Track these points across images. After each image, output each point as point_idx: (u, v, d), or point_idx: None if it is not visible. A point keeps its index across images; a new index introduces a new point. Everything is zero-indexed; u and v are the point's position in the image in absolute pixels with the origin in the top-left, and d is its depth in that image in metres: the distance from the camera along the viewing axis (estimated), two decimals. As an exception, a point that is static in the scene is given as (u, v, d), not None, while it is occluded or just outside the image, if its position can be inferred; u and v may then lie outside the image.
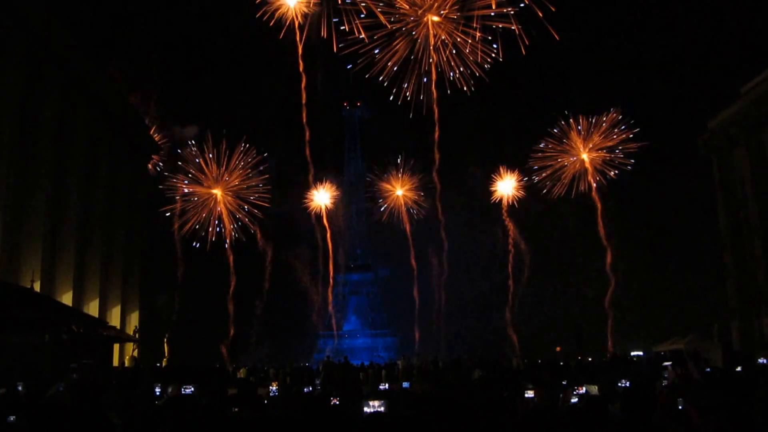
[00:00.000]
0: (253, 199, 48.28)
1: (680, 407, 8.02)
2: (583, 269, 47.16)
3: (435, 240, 50.69)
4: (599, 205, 46.27)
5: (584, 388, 11.21)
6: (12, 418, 8.29)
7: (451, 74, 44.85)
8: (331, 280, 53.02)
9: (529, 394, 10.22)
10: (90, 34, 34.88)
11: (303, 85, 47.34)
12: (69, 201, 29.06)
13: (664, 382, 11.65)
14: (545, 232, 47.93)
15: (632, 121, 44.71)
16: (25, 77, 25.60)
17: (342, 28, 42.76)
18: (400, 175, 50.12)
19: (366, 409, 8.73)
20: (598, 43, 43.37)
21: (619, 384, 12.06)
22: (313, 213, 49.70)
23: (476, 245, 50.46)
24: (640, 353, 32.72)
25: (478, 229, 49.85)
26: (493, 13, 39.93)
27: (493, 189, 48.16)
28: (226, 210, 48.38)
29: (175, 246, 46.36)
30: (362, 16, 41.55)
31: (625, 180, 45.28)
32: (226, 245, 47.96)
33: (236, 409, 9.42)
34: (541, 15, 39.92)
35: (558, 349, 38.71)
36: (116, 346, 29.64)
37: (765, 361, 21.12)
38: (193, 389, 14.17)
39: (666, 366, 10.41)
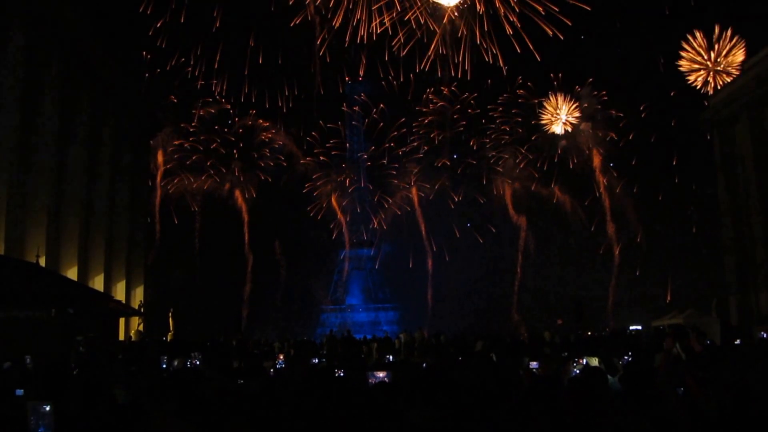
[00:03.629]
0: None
1: (680, 379, 8.14)
2: (584, 247, 47.41)
3: (442, 221, 51.06)
4: (607, 202, 46.46)
5: (585, 360, 11.34)
6: (20, 391, 8.38)
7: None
8: (347, 257, 53.58)
9: (533, 364, 10.37)
10: (92, 9, 34.52)
11: (319, 80, 47.33)
12: (73, 176, 29.13)
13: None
14: (548, 211, 48.20)
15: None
16: (27, 55, 25.54)
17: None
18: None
19: (371, 380, 8.87)
20: (602, 16, 42.86)
21: (622, 361, 12.16)
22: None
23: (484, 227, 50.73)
24: (639, 327, 33.01)
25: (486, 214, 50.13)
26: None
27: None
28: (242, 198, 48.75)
29: (185, 222, 46.81)
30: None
31: (627, 155, 45.49)
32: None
33: (241, 381, 9.54)
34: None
35: (560, 321, 39.00)
36: (122, 321, 29.93)
37: (765, 335, 21.34)
38: (198, 362, 14.37)
39: (668, 338, 10.51)
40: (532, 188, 48.01)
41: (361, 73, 49.34)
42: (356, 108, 52.59)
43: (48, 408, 6.06)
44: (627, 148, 45.74)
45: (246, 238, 48.69)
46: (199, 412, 6.14)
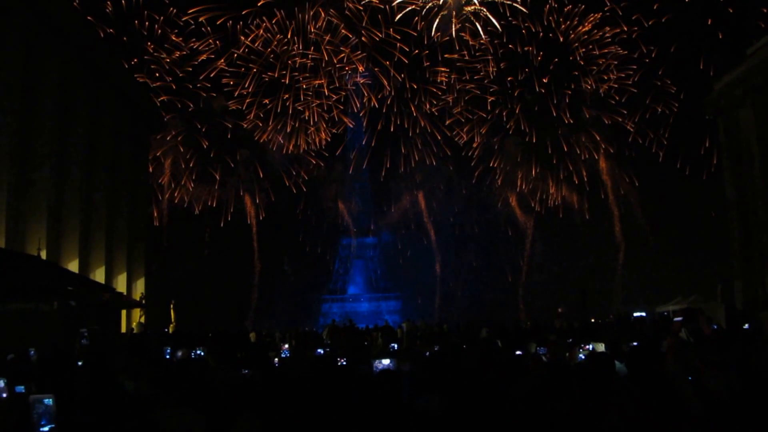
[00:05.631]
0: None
1: (689, 363, 8.07)
2: (588, 234, 47.37)
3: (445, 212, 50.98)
4: (609, 182, 46.34)
5: (591, 346, 11.28)
6: (22, 388, 8.30)
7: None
8: (348, 245, 53.49)
9: (541, 350, 10.33)
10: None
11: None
12: (73, 169, 29.03)
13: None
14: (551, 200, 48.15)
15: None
16: (26, 47, 25.37)
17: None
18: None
19: (376, 368, 8.84)
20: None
21: (627, 346, 12.08)
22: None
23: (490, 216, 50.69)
24: (643, 314, 32.94)
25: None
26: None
27: None
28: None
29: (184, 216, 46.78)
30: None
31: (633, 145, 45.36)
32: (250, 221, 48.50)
33: (245, 371, 9.51)
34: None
35: (560, 310, 38.97)
36: (123, 313, 29.92)
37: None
38: (202, 353, 14.32)
39: (675, 321, 10.42)
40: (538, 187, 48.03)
41: (361, 68, 49.26)
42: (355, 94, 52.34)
43: (50, 402, 6.00)
44: (630, 133, 45.69)
45: (255, 243, 48.73)
46: (204, 401, 6.10)
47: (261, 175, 48.98)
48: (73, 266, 27.91)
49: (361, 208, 54.84)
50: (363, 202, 54.90)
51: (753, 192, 34.21)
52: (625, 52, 44.18)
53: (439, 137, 49.04)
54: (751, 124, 33.96)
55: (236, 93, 45.82)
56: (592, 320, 32.64)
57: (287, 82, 46.07)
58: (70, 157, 28.89)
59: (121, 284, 32.94)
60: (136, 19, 42.96)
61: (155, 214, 44.60)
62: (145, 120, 38.92)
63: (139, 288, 34.93)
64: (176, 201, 46.55)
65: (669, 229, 43.78)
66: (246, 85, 45.59)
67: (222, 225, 48.03)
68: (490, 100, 47.08)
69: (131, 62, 41.69)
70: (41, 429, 5.88)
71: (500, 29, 44.08)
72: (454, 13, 44.48)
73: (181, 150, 46.59)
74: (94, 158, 31.10)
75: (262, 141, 47.25)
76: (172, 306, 32.66)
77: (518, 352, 11.24)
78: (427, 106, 48.11)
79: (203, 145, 47.23)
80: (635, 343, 11.82)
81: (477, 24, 44.53)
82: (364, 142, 52.54)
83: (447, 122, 48.26)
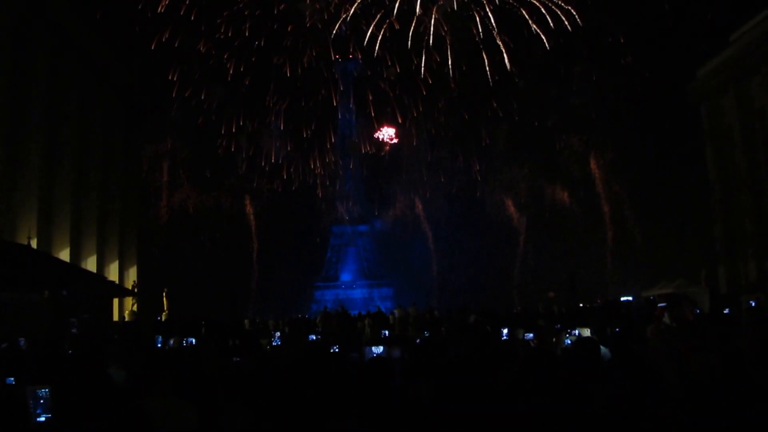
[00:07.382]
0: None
1: (672, 347, 8.24)
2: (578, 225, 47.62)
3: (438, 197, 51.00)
4: (599, 177, 46.49)
5: (577, 331, 11.47)
6: (11, 379, 8.34)
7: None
8: (340, 233, 53.45)
9: (529, 336, 10.48)
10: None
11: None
12: (64, 158, 28.97)
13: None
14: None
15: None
16: (15, 39, 25.23)
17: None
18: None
19: (368, 354, 8.96)
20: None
21: (613, 331, 12.28)
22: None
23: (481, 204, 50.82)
24: (630, 298, 33.25)
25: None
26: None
27: None
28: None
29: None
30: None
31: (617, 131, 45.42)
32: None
33: (237, 359, 9.57)
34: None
35: (551, 294, 39.23)
36: (116, 301, 29.93)
37: (753, 303, 21.65)
38: (194, 341, 14.41)
39: (659, 307, 10.64)
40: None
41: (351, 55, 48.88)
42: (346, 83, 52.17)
43: (46, 392, 6.04)
44: (616, 121, 45.72)
45: (254, 239, 48.56)
46: (196, 390, 6.16)
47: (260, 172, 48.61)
48: (65, 255, 27.89)
49: (353, 196, 54.86)
50: (355, 191, 54.91)
51: (736, 177, 34.60)
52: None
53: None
54: (734, 110, 34.29)
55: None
56: (580, 305, 32.89)
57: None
58: (61, 147, 28.82)
59: (113, 273, 32.94)
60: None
61: (148, 203, 44.34)
62: (137, 109, 38.71)
63: (131, 276, 34.91)
64: (172, 200, 46.26)
65: (655, 215, 44.06)
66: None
67: (219, 220, 47.79)
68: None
69: (126, 56, 41.18)
70: (37, 419, 5.94)
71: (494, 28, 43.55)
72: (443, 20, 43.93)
73: (180, 155, 46.20)
74: (85, 147, 31.01)
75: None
76: (164, 294, 32.62)
77: (504, 337, 11.43)
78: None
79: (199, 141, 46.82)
80: (618, 330, 12.04)
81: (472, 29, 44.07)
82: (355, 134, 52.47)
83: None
